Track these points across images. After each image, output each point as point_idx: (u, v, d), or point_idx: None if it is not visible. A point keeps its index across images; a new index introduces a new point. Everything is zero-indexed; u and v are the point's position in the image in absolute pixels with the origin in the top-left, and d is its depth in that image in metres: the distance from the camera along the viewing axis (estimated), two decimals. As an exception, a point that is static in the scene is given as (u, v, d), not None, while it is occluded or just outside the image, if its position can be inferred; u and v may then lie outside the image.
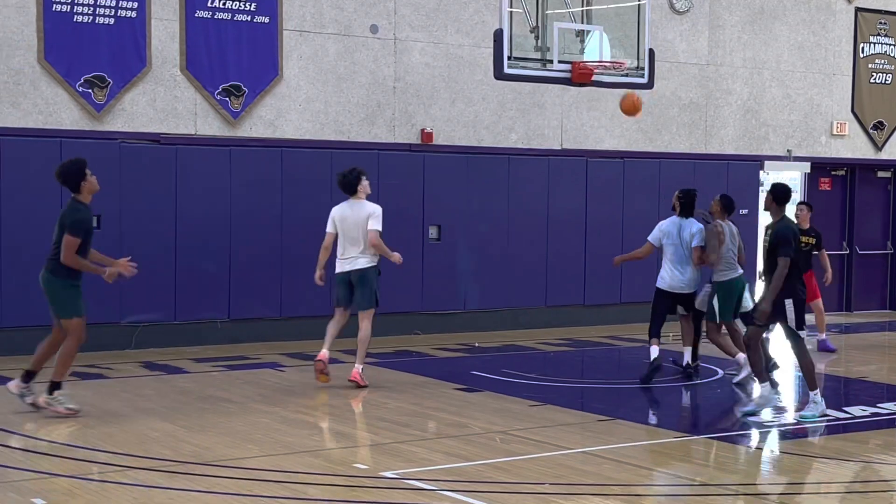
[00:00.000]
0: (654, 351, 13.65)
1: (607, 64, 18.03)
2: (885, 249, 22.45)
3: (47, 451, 9.60)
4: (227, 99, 16.13)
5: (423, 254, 17.30)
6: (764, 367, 11.91)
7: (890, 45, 22.24)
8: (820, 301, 16.51)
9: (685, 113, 19.96)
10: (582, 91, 18.64)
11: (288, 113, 16.61)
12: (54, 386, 10.92)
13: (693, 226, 13.96)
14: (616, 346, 16.37)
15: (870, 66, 22.01)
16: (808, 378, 11.33)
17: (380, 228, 13.14)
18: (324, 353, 13.11)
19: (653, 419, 12.01)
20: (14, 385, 11.11)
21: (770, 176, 21.48)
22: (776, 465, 10.08)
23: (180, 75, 15.85)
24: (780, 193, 11.53)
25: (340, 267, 13.23)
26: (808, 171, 21.49)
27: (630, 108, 14.61)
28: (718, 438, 10.53)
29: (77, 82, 15.18)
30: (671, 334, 16.16)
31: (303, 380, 13.47)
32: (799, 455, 10.34)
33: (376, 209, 13.24)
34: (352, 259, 13.15)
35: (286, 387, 13.03)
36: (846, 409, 12.02)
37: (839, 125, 21.70)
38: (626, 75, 18.60)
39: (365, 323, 13.18)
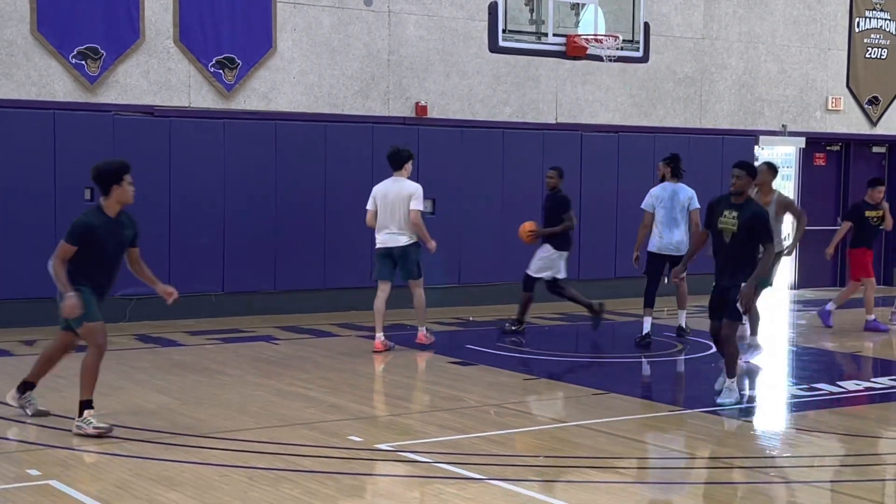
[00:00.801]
0: (647, 324, 14.23)
1: (602, 37, 18.06)
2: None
3: (42, 423, 9.61)
4: (221, 71, 16.10)
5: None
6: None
7: (885, 19, 22.23)
8: (873, 279, 16.35)
9: (680, 87, 19.96)
10: (577, 64, 18.66)
11: (282, 86, 16.59)
12: (85, 405, 9.34)
13: (688, 190, 14.51)
14: (610, 321, 16.38)
15: (865, 40, 22.00)
16: (729, 365, 10.91)
17: (422, 208, 13.68)
18: (379, 338, 13.60)
19: (647, 393, 12.04)
20: (11, 397, 9.95)
21: (765, 151, 21.53)
22: (770, 439, 10.12)
23: (174, 47, 15.82)
24: (755, 169, 11.18)
25: (382, 242, 13.71)
26: (803, 146, 21.51)
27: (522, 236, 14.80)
28: (713, 412, 10.56)
29: (70, 54, 15.14)
30: (665, 309, 16.21)
31: (297, 353, 13.50)
32: (793, 429, 10.39)
33: (418, 189, 13.72)
34: (393, 236, 13.63)
35: (280, 360, 13.05)
36: (840, 383, 12.07)
37: (834, 100, 21.71)
38: (621, 48, 18.66)
39: (417, 291, 13.81)
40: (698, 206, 14.25)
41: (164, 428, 9.51)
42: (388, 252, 13.69)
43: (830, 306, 16.25)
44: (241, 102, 16.31)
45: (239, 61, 16.20)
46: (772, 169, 13.53)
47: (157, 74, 15.74)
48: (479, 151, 17.93)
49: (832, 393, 11.66)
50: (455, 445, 9.30)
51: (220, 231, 16.13)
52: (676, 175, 14.62)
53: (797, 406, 11.25)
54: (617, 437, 9.57)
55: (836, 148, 22.13)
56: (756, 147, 20.74)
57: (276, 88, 16.55)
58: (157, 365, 12.41)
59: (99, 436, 9.11)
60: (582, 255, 18.78)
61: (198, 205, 15.98)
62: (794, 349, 14.67)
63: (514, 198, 18.13)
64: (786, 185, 22.50)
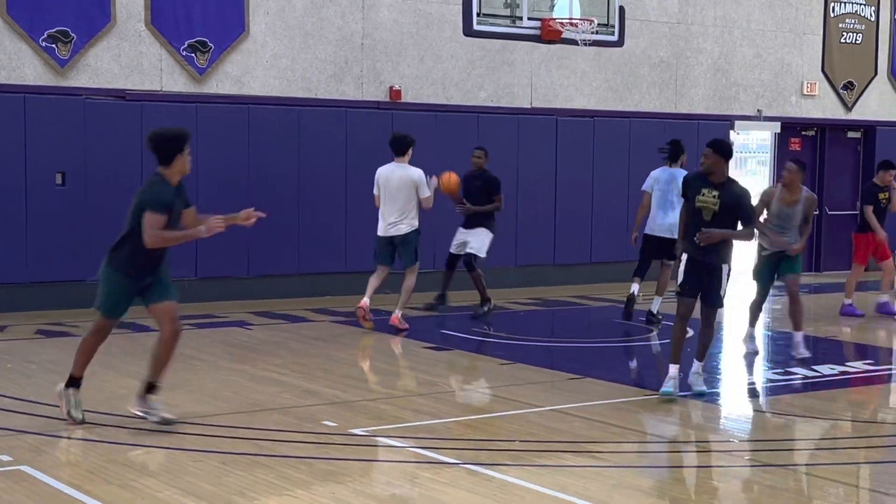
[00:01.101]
0: (634, 288, 14.66)
1: (577, 22, 18.05)
2: (855, 210, 22.55)
3: (14, 408, 9.58)
4: (193, 55, 16.04)
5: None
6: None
7: (860, 4, 22.29)
8: (891, 261, 16.27)
9: (655, 72, 19.98)
10: (552, 49, 18.64)
11: (254, 69, 16.54)
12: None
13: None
14: (586, 306, 16.43)
15: (840, 25, 22.07)
16: (701, 348, 10.69)
17: (430, 193, 13.96)
18: (365, 301, 13.84)
19: (623, 377, 12.07)
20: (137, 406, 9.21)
21: (740, 136, 21.59)
22: (745, 423, 10.17)
23: (145, 30, 15.74)
24: (728, 150, 10.70)
25: (384, 231, 13.97)
26: (779, 131, 21.57)
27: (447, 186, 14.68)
28: (689, 396, 10.59)
29: (40, 37, 15.05)
30: (641, 294, 16.23)
31: (271, 338, 13.48)
32: (769, 413, 10.43)
33: (421, 175, 13.95)
34: (394, 224, 13.87)
35: (254, 345, 13.03)
36: (815, 367, 12.12)
37: (809, 85, 21.78)
38: (597, 32, 18.64)
39: (410, 276, 14.00)
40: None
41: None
42: (390, 240, 13.96)
43: (882, 298, 16.24)
44: (214, 86, 16.25)
45: (211, 45, 16.14)
46: (802, 167, 13.08)
47: (129, 58, 15.66)
48: (453, 136, 17.90)
49: (807, 377, 11.72)
50: (430, 430, 9.31)
51: (192, 216, 16.05)
52: (673, 160, 14.90)
53: (772, 390, 11.30)
54: (593, 422, 9.58)
55: (812, 133, 22.20)
56: (731, 132, 20.78)
57: (248, 72, 16.49)
58: (129, 350, 12.36)
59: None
60: (557, 240, 18.83)
61: (170, 190, 15.90)
62: (770, 334, 14.72)
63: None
64: (761, 171, 22.61)
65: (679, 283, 10.51)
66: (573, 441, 8.98)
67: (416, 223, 13.93)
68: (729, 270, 10.54)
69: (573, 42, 18.23)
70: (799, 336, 12.65)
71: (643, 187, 14.91)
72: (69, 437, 8.76)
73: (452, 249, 15.39)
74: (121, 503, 7.18)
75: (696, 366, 10.67)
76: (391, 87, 17.50)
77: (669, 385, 10.27)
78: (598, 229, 19.00)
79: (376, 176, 14.13)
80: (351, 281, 16.57)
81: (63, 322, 14.14)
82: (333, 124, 16.99)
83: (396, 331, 13.78)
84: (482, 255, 15.16)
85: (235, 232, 16.31)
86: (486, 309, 15.24)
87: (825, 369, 12.05)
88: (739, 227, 10.52)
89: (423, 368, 11.95)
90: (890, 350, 14.39)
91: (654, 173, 14.90)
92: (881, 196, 16.14)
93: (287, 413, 9.64)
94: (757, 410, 10.68)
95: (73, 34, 15.21)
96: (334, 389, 10.64)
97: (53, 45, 15.11)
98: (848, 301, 16.06)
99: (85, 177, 15.34)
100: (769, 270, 12.94)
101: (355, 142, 17.05)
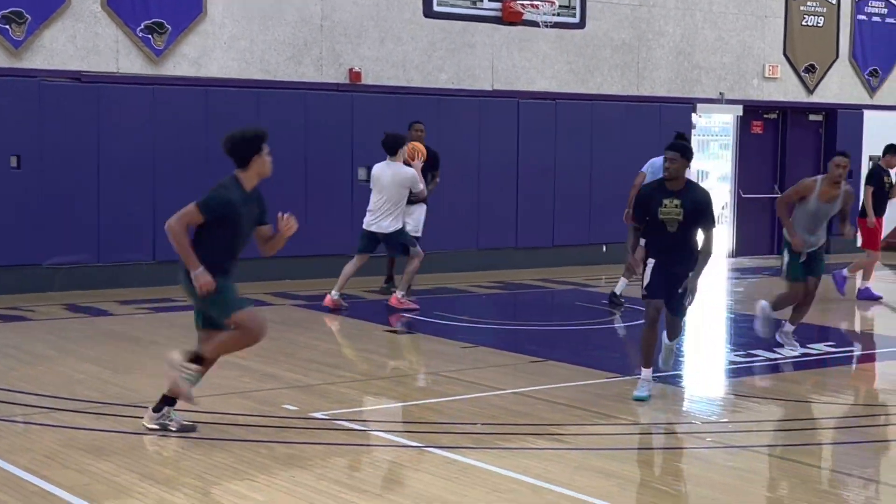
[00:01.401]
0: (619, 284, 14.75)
1: (538, 3, 18.08)
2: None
3: (-32, 394, 9.51)
4: (150, 36, 15.93)
5: (352, 195, 17.23)
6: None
7: (822, -14, 22.41)
8: (879, 253, 16.31)
9: (617, 54, 19.99)
10: (513, 31, 18.65)
11: (212, 51, 16.45)
12: (168, 401, 8.47)
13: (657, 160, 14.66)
14: (548, 289, 16.45)
15: (801, 8, 22.15)
16: (646, 354, 10.05)
17: (423, 187, 14.63)
18: (330, 297, 14.22)
19: (586, 360, 12.08)
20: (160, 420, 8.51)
21: (702, 119, 21.67)
22: (708, 405, 10.21)
23: (101, 11, 15.61)
24: (692, 153, 10.07)
25: (368, 224, 14.41)
26: (741, 114, 21.65)
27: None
28: (652, 379, 10.62)
29: (-6, 18, 14.94)
30: (603, 276, 16.29)
31: (230, 322, 13.42)
32: (731, 395, 10.48)
33: (414, 175, 14.33)
34: (377, 220, 14.27)
35: (213, 329, 12.97)
36: (777, 349, 12.17)
37: (771, 68, 21.86)
38: (558, 14, 18.67)
39: (412, 261, 14.31)
40: (645, 170, 14.58)
41: (94, 398, 9.43)
42: (374, 234, 14.34)
43: (866, 283, 16.17)
44: (171, 68, 16.15)
45: (168, 26, 16.03)
46: (848, 159, 12.21)
47: (84, 39, 15.54)
48: (414, 118, 17.81)
49: (769, 359, 11.78)
50: (391, 413, 9.32)
51: (149, 199, 15.95)
52: None
53: (735, 372, 11.35)
54: (556, 405, 9.60)
55: (774, 116, 22.29)
56: (693, 115, 20.84)
57: (206, 54, 16.40)
58: (87, 334, 12.29)
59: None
60: (520, 224, 18.84)
61: (127, 172, 15.80)
62: (732, 316, 14.79)
63: (451, 166, 18.07)
64: (723, 154, 22.71)
65: (645, 286, 9.93)
66: (536, 424, 8.99)
67: (400, 222, 14.32)
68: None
69: (534, 24, 18.27)
70: (791, 328, 12.19)
71: (642, 168, 14.69)
72: (26, 422, 8.70)
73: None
74: (78, 488, 7.14)
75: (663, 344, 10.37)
76: (351, 69, 17.44)
77: (644, 390, 9.85)
78: (561, 212, 19.02)
79: (371, 172, 14.65)
80: (311, 265, 16.57)
81: (19, 306, 14.04)
82: (292, 107, 16.91)
83: (393, 310, 14.17)
84: (419, 234, 15.29)
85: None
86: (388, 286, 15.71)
87: (787, 351, 12.11)
88: (700, 236, 9.84)
89: (384, 352, 11.95)
90: (851, 332, 14.50)
91: (655, 160, 14.67)
92: (886, 180, 16.15)
93: (247, 397, 9.62)
94: (719, 392, 10.73)
95: (27, 15, 15.07)
96: (295, 373, 10.62)
97: (7, 27, 14.98)
98: (867, 284, 16.05)
99: (40, 159, 15.22)
100: (803, 269, 12.01)
101: (315, 124, 17.00)
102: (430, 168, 15.43)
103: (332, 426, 8.81)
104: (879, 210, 16.24)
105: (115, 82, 15.71)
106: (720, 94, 21.21)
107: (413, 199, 15.10)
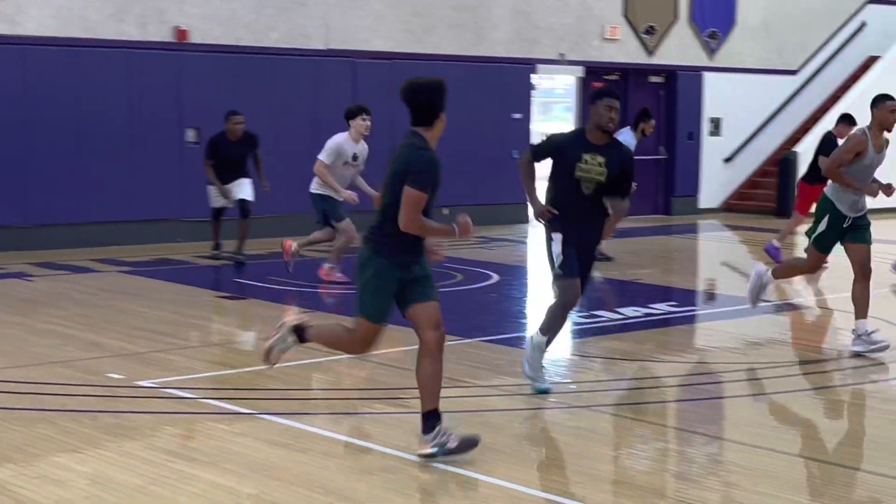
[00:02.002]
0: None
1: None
2: (658, 155, 23.05)
3: None
4: (-39, -9, 15.44)
5: (180, 158, 16.95)
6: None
7: (661, -54, 22.70)
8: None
9: (455, 13, 19.97)
10: (347, -12, 18.51)
11: (28, 8, 15.98)
12: (430, 418, 7.27)
13: (624, 135, 14.74)
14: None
15: (641, -32, 22.43)
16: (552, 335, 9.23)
17: (322, 158, 13.44)
18: (290, 242, 13.91)
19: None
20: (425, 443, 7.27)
21: (543, 81, 21.80)
22: (553, 366, 10.24)
23: None
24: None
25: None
26: (582, 75, 21.83)
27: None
28: (492, 341, 10.66)
29: None
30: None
31: (53, 289, 13.13)
32: (574, 356, 10.54)
33: (328, 141, 13.53)
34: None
35: (35, 297, 12.70)
36: (619, 309, 12.31)
37: (611, 29, 22.08)
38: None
39: (337, 235, 13.74)
40: None
41: None
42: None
43: (776, 243, 16.14)
44: (-16, 26, 15.69)
45: (-19, -20, 15.55)
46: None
47: None
48: (246, 79, 17.63)
49: (612, 319, 11.90)
50: (224, 381, 9.18)
51: (-36, 163, 15.51)
52: (633, 126, 15.21)
53: (578, 333, 11.42)
54: (394, 368, 9.56)
55: (615, 77, 22.53)
56: (533, 76, 20.95)
57: (22, 11, 15.94)
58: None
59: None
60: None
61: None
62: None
63: (286, 127, 17.87)
64: (567, 117, 22.90)
65: (559, 264, 8.76)
66: (375, 388, 8.95)
67: (317, 186, 13.60)
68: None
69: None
70: (865, 325, 10.45)
71: None
72: None
73: (218, 204, 15.31)
74: None
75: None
76: (177, 28, 17.12)
77: (546, 383, 8.98)
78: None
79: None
80: (138, 230, 16.29)
81: None
82: (115, 66, 16.55)
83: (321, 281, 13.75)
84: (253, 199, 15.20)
85: (12, 179, 15.86)
86: (242, 257, 15.25)
87: (629, 311, 12.25)
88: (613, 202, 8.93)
89: (216, 318, 11.81)
90: (691, 291, 14.73)
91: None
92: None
93: (70, 366, 9.37)
94: (563, 354, 10.79)
95: None
96: (121, 341, 10.39)
97: None
98: (777, 243, 16.10)
99: None
100: (836, 238, 10.68)
101: (140, 85, 16.66)
102: (249, 148, 15.18)
103: (161, 395, 8.63)
104: (821, 178, 16.29)
105: (-76, 40, 15.20)
106: (560, 54, 21.35)
107: (242, 173, 14.97)
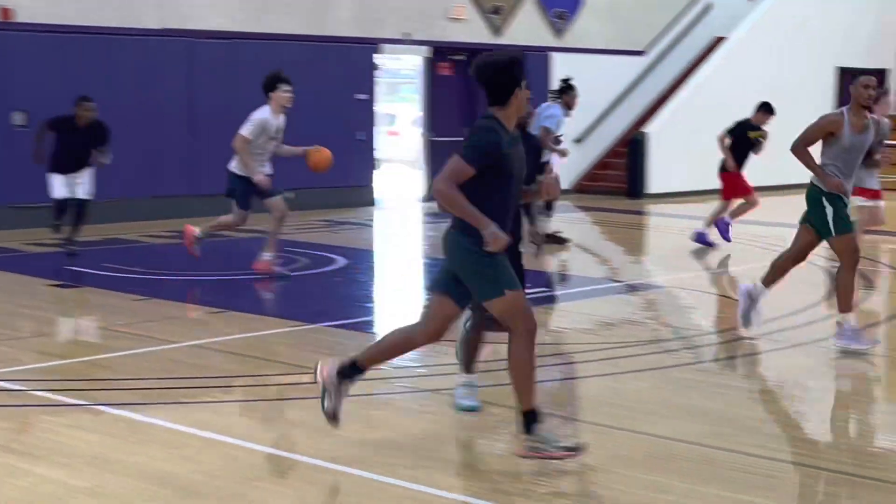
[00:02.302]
0: None
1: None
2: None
3: None
4: None
5: (9, 141, 16.45)
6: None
7: (507, -77, 22.69)
8: (751, 197, 16.35)
9: (296, -9, 19.70)
10: (179, -36, 18.15)
11: None
12: (530, 418, 6.97)
13: (549, 110, 15.56)
14: (227, 238, 16.05)
15: (487, -53, 22.41)
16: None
17: (243, 132, 12.64)
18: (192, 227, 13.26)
19: (269, 309, 11.86)
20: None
21: (388, 61, 21.65)
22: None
23: None
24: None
25: None
26: (429, 55, 21.73)
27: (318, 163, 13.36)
28: (337, 326, 10.50)
29: None
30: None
31: None
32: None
33: (252, 115, 12.75)
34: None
35: None
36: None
37: (456, 9, 22.00)
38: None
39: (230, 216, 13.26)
40: (545, 125, 15.31)
41: None
42: None
43: (728, 219, 16.20)
44: None
45: None
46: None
47: None
48: (77, 59, 17.16)
49: (462, 302, 11.77)
50: (55, 371, 8.89)
51: None
52: (554, 97, 15.65)
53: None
54: (236, 356, 9.42)
55: (462, 57, 22.43)
56: (378, 56, 20.78)
57: None
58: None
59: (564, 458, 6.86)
60: (200, 170, 18.36)
61: None
62: (429, 261, 14.82)
63: (121, 110, 17.43)
64: (414, 98, 22.80)
65: (506, 279, 7.21)
66: (214, 377, 8.76)
67: (236, 166, 12.90)
68: None
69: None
70: (850, 319, 10.04)
71: None
72: None
73: (61, 195, 14.52)
74: None
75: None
76: (1, 7, 16.60)
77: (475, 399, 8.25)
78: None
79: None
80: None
81: None
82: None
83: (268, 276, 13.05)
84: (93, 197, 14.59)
85: None
86: (75, 247, 14.59)
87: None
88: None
89: (47, 307, 11.46)
90: (543, 273, 14.69)
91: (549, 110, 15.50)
92: (751, 134, 16.08)
93: None
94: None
95: None
96: (-58, 334, 10.01)
97: None
98: (704, 229, 16.20)
99: None
100: (847, 211, 10.24)
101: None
102: (99, 143, 14.53)
103: (-12, 387, 8.31)
104: (740, 163, 16.35)
105: None
106: (405, 34, 21.20)
107: (85, 163, 14.48)
